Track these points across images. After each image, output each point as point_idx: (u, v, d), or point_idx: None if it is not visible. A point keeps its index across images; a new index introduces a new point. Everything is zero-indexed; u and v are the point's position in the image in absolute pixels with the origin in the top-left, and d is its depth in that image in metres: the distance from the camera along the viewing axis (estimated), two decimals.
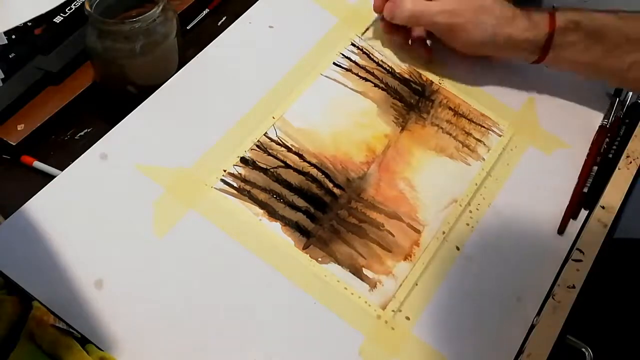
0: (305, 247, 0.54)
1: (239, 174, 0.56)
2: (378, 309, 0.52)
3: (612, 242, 0.58)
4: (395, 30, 0.65)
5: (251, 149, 0.57)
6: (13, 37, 0.63)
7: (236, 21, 0.65)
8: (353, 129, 0.61)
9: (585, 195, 0.60)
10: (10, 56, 0.62)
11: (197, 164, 0.55)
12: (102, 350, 0.47)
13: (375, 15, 0.66)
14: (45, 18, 0.65)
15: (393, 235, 0.56)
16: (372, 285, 0.53)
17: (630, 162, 0.62)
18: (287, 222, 0.54)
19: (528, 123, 0.65)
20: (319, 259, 0.53)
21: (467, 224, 0.58)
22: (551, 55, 0.61)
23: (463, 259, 0.56)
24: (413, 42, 0.66)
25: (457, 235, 0.57)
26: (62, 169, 0.54)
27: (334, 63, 0.64)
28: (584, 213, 0.60)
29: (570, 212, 0.59)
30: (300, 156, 0.58)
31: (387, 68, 0.65)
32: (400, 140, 0.61)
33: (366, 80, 0.64)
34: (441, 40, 0.64)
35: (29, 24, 0.64)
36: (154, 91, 0.59)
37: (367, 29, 0.67)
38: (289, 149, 0.58)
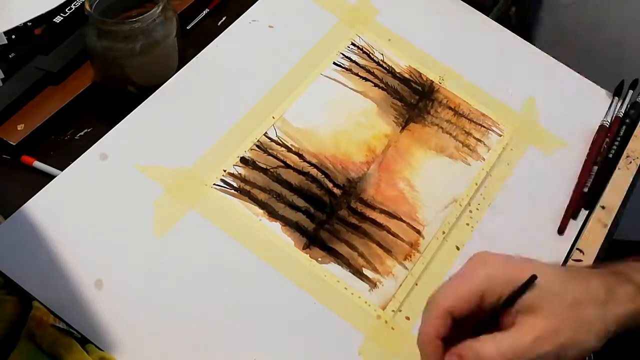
0: (305, 247, 0.54)
1: (239, 174, 0.56)
2: (378, 309, 0.52)
3: (612, 243, 0.58)
4: None
5: (251, 149, 0.57)
6: (13, 37, 0.63)
7: (236, 21, 0.65)
8: (353, 129, 0.61)
9: (585, 195, 0.60)
10: (10, 56, 0.62)
11: (197, 164, 0.55)
12: (102, 350, 0.47)
13: None
14: (45, 18, 0.65)
15: (393, 235, 0.56)
16: (372, 285, 0.53)
17: (630, 162, 0.62)
18: (287, 222, 0.54)
19: (528, 123, 0.65)
20: (319, 259, 0.53)
21: (467, 224, 0.58)
22: None
23: (463, 259, 0.55)
24: None
25: (457, 235, 0.57)
26: (62, 169, 0.54)
27: (334, 63, 0.64)
28: (584, 213, 0.60)
29: (570, 212, 0.59)
30: (300, 156, 0.58)
31: (387, 68, 0.65)
32: (400, 140, 0.61)
33: (366, 80, 0.64)
34: None
35: (29, 24, 0.64)
36: (154, 91, 0.59)
37: None
38: (289, 149, 0.58)
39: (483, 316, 0.43)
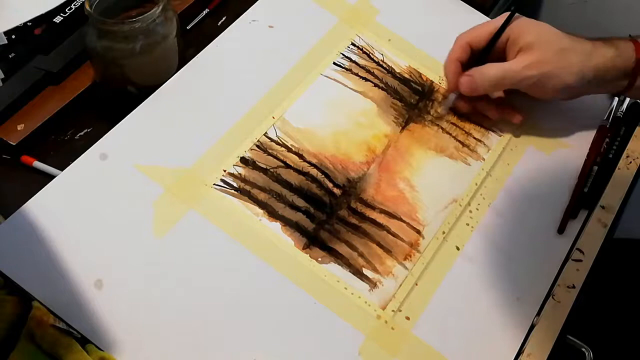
0: (305, 247, 0.54)
1: (239, 174, 0.56)
2: (378, 309, 0.52)
3: (612, 242, 0.58)
4: (474, 103, 0.62)
5: (251, 149, 0.57)
6: (13, 37, 0.63)
7: (236, 21, 0.65)
8: (353, 129, 0.61)
9: (585, 195, 0.60)
10: (10, 56, 0.62)
11: (197, 164, 0.56)
12: (102, 350, 0.47)
13: (448, 96, 0.63)
14: (45, 18, 0.65)
15: (393, 235, 0.56)
16: (372, 285, 0.53)
17: (630, 162, 0.62)
18: (287, 222, 0.54)
19: (528, 123, 0.65)
20: (319, 259, 0.53)
21: (467, 224, 0.58)
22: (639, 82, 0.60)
23: (463, 259, 0.56)
24: (497, 111, 0.63)
25: (457, 235, 0.57)
26: (62, 169, 0.54)
27: (334, 63, 0.64)
28: (584, 213, 0.60)
29: (570, 212, 0.59)
30: (300, 156, 0.58)
31: (387, 68, 0.65)
32: (400, 140, 0.61)
33: (366, 80, 0.64)
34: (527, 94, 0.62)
35: (29, 24, 0.64)
36: (154, 91, 0.59)
37: (437, 109, 0.63)
38: (289, 149, 0.58)
39: (494, 55, 0.60)
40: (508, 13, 0.61)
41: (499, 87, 0.61)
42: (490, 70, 0.59)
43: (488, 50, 0.60)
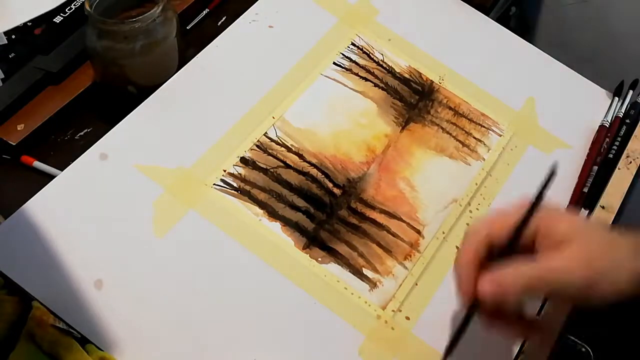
0: (305, 247, 0.54)
1: (239, 174, 0.56)
2: (378, 309, 0.52)
3: None
4: (494, 319, 0.45)
5: (251, 149, 0.57)
6: (13, 37, 0.63)
7: (236, 21, 0.65)
8: (353, 129, 0.61)
9: (585, 195, 0.60)
10: (10, 56, 0.62)
11: (197, 164, 0.56)
12: (102, 350, 0.47)
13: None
14: (45, 18, 0.65)
15: (393, 235, 0.56)
16: (372, 285, 0.53)
17: (630, 162, 0.62)
18: (287, 222, 0.54)
19: (528, 123, 0.65)
20: (319, 259, 0.53)
21: (467, 224, 0.58)
22: None
23: None
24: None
25: (457, 235, 0.57)
26: (62, 169, 0.54)
27: (334, 63, 0.64)
28: (583, 213, 0.60)
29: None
30: (300, 156, 0.58)
31: (387, 68, 0.65)
32: (400, 140, 0.61)
33: (366, 80, 0.64)
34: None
35: (29, 24, 0.64)
36: (154, 91, 0.59)
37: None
38: (288, 149, 0.58)
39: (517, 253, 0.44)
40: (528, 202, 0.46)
41: (533, 293, 0.43)
42: (522, 271, 0.42)
43: (513, 245, 0.44)
